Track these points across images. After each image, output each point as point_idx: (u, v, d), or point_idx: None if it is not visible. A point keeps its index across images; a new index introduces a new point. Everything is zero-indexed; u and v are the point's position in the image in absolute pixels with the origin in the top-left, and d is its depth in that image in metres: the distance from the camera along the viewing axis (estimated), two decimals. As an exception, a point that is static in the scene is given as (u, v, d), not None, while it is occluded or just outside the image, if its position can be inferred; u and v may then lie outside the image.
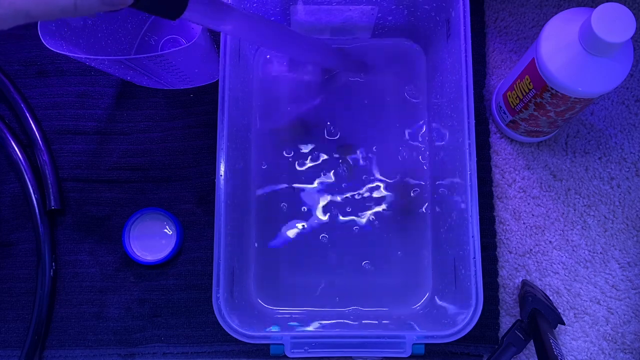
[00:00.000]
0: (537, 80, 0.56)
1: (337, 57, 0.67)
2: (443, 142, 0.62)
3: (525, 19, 0.70)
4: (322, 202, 0.66)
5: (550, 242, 0.66)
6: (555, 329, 0.61)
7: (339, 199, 0.66)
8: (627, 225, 0.66)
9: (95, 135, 0.68)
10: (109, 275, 0.65)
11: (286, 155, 0.67)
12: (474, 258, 0.54)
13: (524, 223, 0.66)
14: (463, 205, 0.55)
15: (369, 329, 0.60)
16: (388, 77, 0.69)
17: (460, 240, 0.56)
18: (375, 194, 0.66)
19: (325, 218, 0.65)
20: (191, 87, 0.68)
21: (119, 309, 0.65)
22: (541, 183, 0.67)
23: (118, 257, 0.66)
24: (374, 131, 0.67)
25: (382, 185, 0.66)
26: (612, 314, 0.65)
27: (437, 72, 0.64)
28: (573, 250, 0.66)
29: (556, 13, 0.55)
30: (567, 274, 0.65)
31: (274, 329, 0.58)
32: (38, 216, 0.65)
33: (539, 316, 0.60)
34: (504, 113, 0.65)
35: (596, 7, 0.49)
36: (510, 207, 0.67)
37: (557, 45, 0.53)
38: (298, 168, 0.66)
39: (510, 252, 0.66)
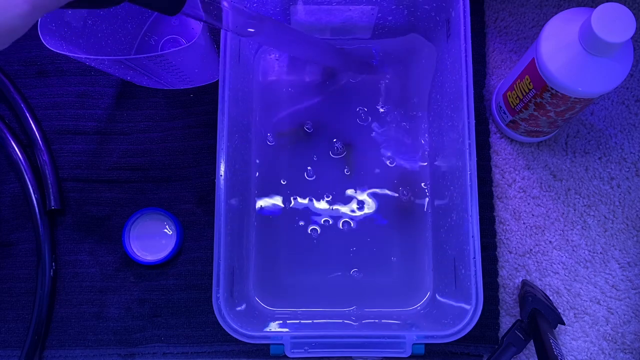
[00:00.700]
0: (537, 80, 0.56)
1: (338, 56, 0.67)
2: (443, 142, 0.62)
3: (525, 19, 0.70)
4: (322, 202, 0.66)
5: (550, 242, 0.66)
6: (555, 329, 0.61)
7: (339, 198, 0.66)
8: (627, 225, 0.66)
9: (95, 135, 0.68)
10: (109, 275, 0.65)
11: (286, 155, 0.67)
12: (474, 258, 0.54)
13: (524, 223, 0.66)
14: (463, 205, 0.55)
15: (369, 329, 0.60)
16: (388, 77, 0.69)
17: (460, 240, 0.56)
18: (376, 194, 0.66)
19: (325, 218, 0.65)
20: (191, 87, 0.68)
21: (119, 309, 0.65)
22: (541, 183, 0.67)
23: (118, 257, 0.66)
24: (374, 131, 0.67)
25: (382, 185, 0.66)
26: (612, 314, 0.65)
27: (437, 72, 0.64)
28: (573, 250, 0.66)
29: (556, 13, 0.55)
30: (567, 274, 0.65)
31: (269, 328, 0.58)
32: (38, 216, 0.65)
33: (539, 316, 0.60)
34: (504, 113, 0.65)
35: (596, 7, 0.49)
36: (510, 207, 0.67)
37: (557, 45, 0.53)
38: (298, 168, 0.66)
39: (510, 252, 0.66)
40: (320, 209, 0.66)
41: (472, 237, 0.54)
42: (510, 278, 0.65)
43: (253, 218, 0.65)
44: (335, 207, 0.66)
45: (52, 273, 0.64)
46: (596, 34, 0.49)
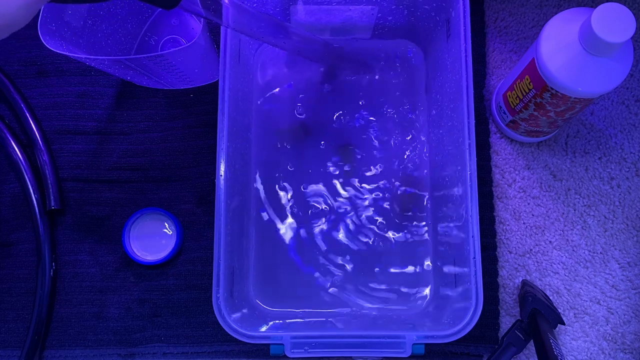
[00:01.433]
0: (537, 80, 0.56)
1: (334, 54, 0.66)
2: (443, 142, 0.62)
3: (525, 19, 0.70)
4: (322, 202, 0.66)
5: (550, 242, 0.66)
6: (555, 329, 0.61)
7: (338, 198, 0.66)
8: (627, 225, 0.66)
9: (95, 135, 0.68)
10: (109, 275, 0.65)
11: (286, 155, 0.67)
12: (474, 258, 0.54)
13: (524, 223, 0.66)
14: (463, 205, 0.55)
15: (369, 329, 0.60)
16: (388, 77, 0.69)
17: (460, 240, 0.56)
18: (375, 194, 0.66)
19: (325, 218, 0.65)
20: (191, 87, 0.68)
21: (119, 309, 0.65)
22: (541, 183, 0.67)
23: (118, 257, 0.66)
24: (374, 131, 0.67)
25: (382, 185, 0.66)
26: (612, 314, 0.65)
27: (437, 72, 0.64)
28: (573, 250, 0.66)
29: (556, 13, 0.55)
30: (567, 274, 0.65)
31: (269, 328, 0.58)
32: (38, 216, 0.65)
33: (539, 316, 0.60)
34: (504, 113, 0.65)
35: (596, 7, 0.49)
36: (510, 207, 0.67)
37: (557, 45, 0.53)
38: (298, 168, 0.66)
39: (510, 252, 0.66)
40: (320, 209, 0.66)
41: (472, 237, 0.54)
42: (510, 278, 0.65)
43: (253, 218, 0.65)
44: (335, 206, 0.66)
45: (52, 273, 0.64)
46: (596, 34, 0.49)
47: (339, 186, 0.66)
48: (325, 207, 0.66)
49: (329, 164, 0.66)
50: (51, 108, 0.69)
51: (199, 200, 0.66)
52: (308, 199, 0.66)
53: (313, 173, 0.66)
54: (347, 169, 0.66)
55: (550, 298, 0.64)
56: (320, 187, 0.66)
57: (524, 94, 0.59)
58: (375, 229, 0.65)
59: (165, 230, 0.66)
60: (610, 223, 0.66)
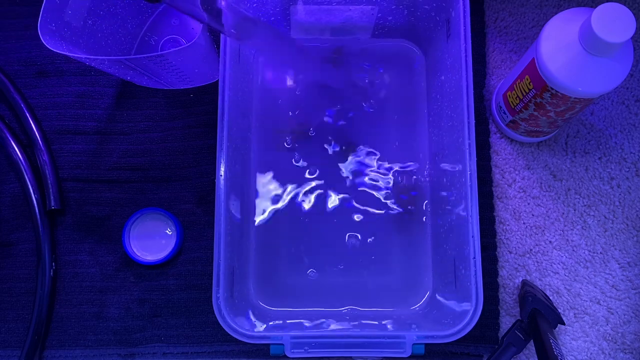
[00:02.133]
0: (537, 80, 0.56)
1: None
2: (443, 142, 0.62)
3: (525, 19, 0.70)
4: (322, 201, 0.66)
5: (550, 242, 0.66)
6: (555, 329, 0.61)
7: (339, 198, 0.66)
8: (627, 225, 0.66)
9: (95, 135, 0.68)
10: (109, 275, 0.65)
11: (286, 155, 0.67)
12: (474, 258, 0.54)
13: (524, 223, 0.66)
14: (463, 205, 0.55)
15: (369, 329, 0.60)
16: (388, 77, 0.69)
17: (460, 240, 0.56)
18: (375, 194, 0.66)
19: (325, 218, 0.65)
20: (191, 87, 0.68)
21: (119, 309, 0.65)
22: (541, 183, 0.67)
23: (118, 257, 0.66)
24: (374, 131, 0.67)
25: (382, 185, 0.66)
26: (612, 314, 0.65)
27: (437, 72, 0.64)
28: (573, 250, 0.66)
29: (556, 13, 0.55)
30: (567, 274, 0.65)
31: (264, 328, 0.58)
32: (38, 216, 0.65)
33: (539, 316, 0.60)
34: (504, 113, 0.65)
35: (596, 7, 0.49)
36: (510, 207, 0.67)
37: (557, 45, 0.53)
38: (298, 168, 0.66)
39: (510, 252, 0.66)
40: (320, 209, 0.65)
41: (472, 237, 0.54)
42: (510, 278, 0.65)
43: (253, 218, 0.65)
44: (335, 206, 0.66)
45: (52, 273, 0.64)
46: (596, 34, 0.49)
47: (338, 186, 0.66)
48: (325, 206, 0.66)
49: (329, 163, 0.66)
50: (51, 108, 0.69)
51: (199, 200, 0.66)
52: (308, 199, 0.66)
53: (313, 173, 0.66)
54: (347, 168, 0.66)
55: (550, 298, 0.64)
56: (321, 186, 0.66)
57: (524, 94, 0.59)
58: (376, 228, 0.65)
59: (165, 230, 0.66)
60: (610, 223, 0.66)
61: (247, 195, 0.65)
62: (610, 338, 0.65)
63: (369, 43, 0.69)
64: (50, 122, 0.68)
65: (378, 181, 0.66)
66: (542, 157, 0.68)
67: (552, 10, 0.70)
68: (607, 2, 0.51)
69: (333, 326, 0.60)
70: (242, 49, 0.62)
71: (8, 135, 0.67)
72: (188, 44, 0.56)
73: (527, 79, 0.57)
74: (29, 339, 0.62)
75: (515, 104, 0.62)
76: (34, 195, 0.65)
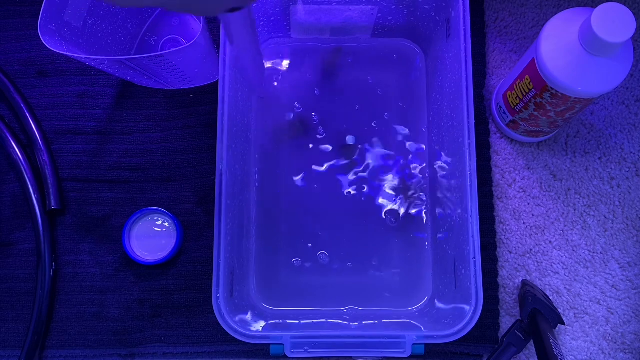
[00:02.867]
0: (537, 80, 0.56)
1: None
2: (443, 142, 0.62)
3: (525, 19, 0.70)
4: (322, 201, 0.66)
5: (550, 242, 0.66)
6: (555, 329, 0.61)
7: (338, 199, 0.66)
8: (627, 225, 0.66)
9: (95, 135, 0.68)
10: (109, 275, 0.65)
11: (286, 155, 0.67)
12: (474, 258, 0.54)
13: (524, 223, 0.66)
14: (463, 206, 0.55)
15: (369, 329, 0.60)
16: (388, 77, 0.69)
17: (460, 240, 0.56)
18: (375, 194, 0.66)
19: (325, 218, 0.65)
20: (191, 87, 0.68)
21: (119, 309, 0.65)
22: (541, 183, 0.67)
23: (118, 257, 0.66)
24: (374, 131, 0.67)
25: (382, 185, 0.66)
26: (612, 314, 0.65)
27: (437, 72, 0.64)
28: (573, 250, 0.66)
29: (556, 13, 0.55)
30: (567, 274, 0.65)
31: (264, 328, 0.58)
32: (38, 216, 0.65)
33: (539, 316, 0.60)
34: (504, 113, 0.65)
35: (596, 7, 0.49)
36: (510, 207, 0.67)
37: (557, 45, 0.53)
38: (298, 168, 0.66)
39: (510, 252, 0.66)
40: (320, 209, 0.65)
41: (472, 237, 0.54)
42: (510, 278, 0.65)
43: (253, 218, 0.65)
44: (335, 207, 0.66)
45: (52, 273, 0.64)
46: (596, 34, 0.49)
47: (339, 186, 0.66)
48: (325, 206, 0.66)
49: (329, 163, 0.66)
50: (51, 108, 0.69)
51: (199, 200, 0.66)
52: (308, 199, 0.66)
53: (313, 173, 0.66)
54: (347, 168, 0.66)
55: (550, 298, 0.64)
56: (321, 186, 0.66)
57: (524, 94, 0.59)
58: (376, 228, 0.65)
59: (165, 230, 0.66)
60: (610, 223, 0.66)
61: (247, 195, 0.65)
62: (610, 338, 0.65)
63: (369, 43, 0.69)
64: (50, 122, 0.68)
65: (378, 181, 0.66)
66: (542, 157, 0.68)
67: (552, 10, 0.70)
68: (607, 2, 0.51)
69: (333, 326, 0.60)
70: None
71: (8, 135, 0.67)
72: (188, 44, 0.56)
73: (527, 79, 0.57)
74: (29, 339, 0.62)
75: (515, 104, 0.62)
76: (34, 195, 0.65)
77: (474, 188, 0.55)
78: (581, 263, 0.66)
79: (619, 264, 0.66)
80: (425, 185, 0.66)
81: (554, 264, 0.66)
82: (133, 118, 0.68)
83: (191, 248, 0.66)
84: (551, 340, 0.57)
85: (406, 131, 0.67)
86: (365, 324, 0.61)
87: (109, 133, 0.68)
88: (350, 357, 0.57)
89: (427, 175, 0.66)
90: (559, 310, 0.64)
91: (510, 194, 0.67)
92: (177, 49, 0.56)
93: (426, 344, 0.54)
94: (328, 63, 0.69)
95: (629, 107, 0.68)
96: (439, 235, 0.63)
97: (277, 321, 0.61)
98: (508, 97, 0.63)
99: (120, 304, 0.65)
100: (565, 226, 0.66)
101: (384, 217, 0.65)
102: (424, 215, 0.65)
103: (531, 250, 0.66)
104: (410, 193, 0.66)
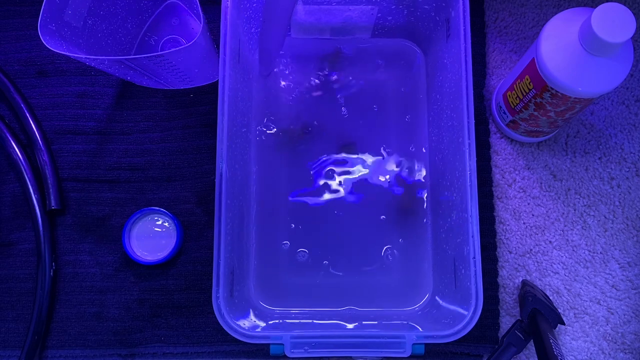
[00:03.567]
0: (537, 80, 0.56)
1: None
2: (443, 142, 0.62)
3: (525, 19, 0.70)
4: (321, 202, 0.66)
5: (550, 242, 0.66)
6: (555, 329, 0.61)
7: (338, 199, 0.66)
8: (627, 225, 0.66)
9: (95, 135, 0.68)
10: (109, 275, 0.65)
11: (286, 155, 0.67)
12: (474, 258, 0.54)
13: (524, 223, 0.66)
14: (463, 206, 0.55)
15: (369, 329, 0.60)
16: (388, 77, 0.69)
17: (460, 240, 0.56)
18: (375, 194, 0.66)
19: (324, 218, 0.65)
20: (191, 87, 0.68)
21: (119, 309, 0.65)
22: (541, 183, 0.67)
23: (118, 257, 0.66)
24: (374, 131, 0.67)
25: (382, 185, 0.66)
26: (612, 314, 0.65)
27: (437, 72, 0.64)
28: (573, 250, 0.66)
29: (556, 13, 0.55)
30: (567, 274, 0.65)
31: (269, 328, 0.58)
32: (38, 216, 0.65)
33: (539, 316, 0.60)
34: (504, 113, 0.65)
35: (596, 7, 0.49)
36: (510, 207, 0.67)
37: (557, 45, 0.53)
38: (298, 168, 0.66)
39: (510, 252, 0.66)
40: (320, 208, 0.65)
41: (472, 237, 0.54)
42: (510, 278, 0.65)
43: (253, 218, 0.65)
44: (334, 207, 0.66)
45: (52, 273, 0.64)
46: (596, 34, 0.49)
47: (339, 186, 0.66)
48: (325, 207, 0.66)
49: (329, 163, 0.66)
50: (51, 108, 0.69)
51: (199, 200, 0.66)
52: (308, 199, 0.66)
53: (313, 173, 0.66)
54: (347, 168, 0.66)
55: (550, 298, 0.64)
56: (320, 186, 0.66)
57: (524, 94, 0.59)
58: (376, 228, 0.65)
59: (165, 230, 0.66)
60: (610, 223, 0.66)
61: (247, 195, 0.65)
62: (610, 338, 0.65)
63: (369, 43, 0.69)
64: (50, 122, 0.68)
65: (378, 181, 0.66)
66: (542, 157, 0.68)
67: (552, 10, 0.70)
68: (607, 2, 0.51)
69: (333, 326, 0.60)
70: (242, 49, 0.62)
71: (8, 135, 0.67)
72: (188, 44, 0.56)
73: (527, 79, 0.57)
74: (29, 339, 0.62)
75: (515, 104, 0.62)
76: (34, 195, 0.65)
77: (474, 188, 0.55)
78: (581, 263, 0.66)
79: (619, 264, 0.66)
80: (425, 185, 0.66)
81: (554, 264, 0.66)
82: (133, 118, 0.68)
83: (191, 248, 0.66)
84: (551, 340, 0.57)
85: (406, 131, 0.67)
86: (365, 324, 0.61)
87: (109, 133, 0.68)
88: (350, 357, 0.57)
89: (427, 175, 0.66)
90: (559, 310, 0.64)
91: (510, 194, 0.67)
92: (177, 49, 0.56)
93: (426, 344, 0.54)
94: (328, 63, 0.69)
95: (629, 107, 0.68)
96: (438, 236, 0.63)
97: (277, 321, 0.61)
98: (508, 97, 0.63)
99: (120, 304, 0.65)
100: (565, 226, 0.66)
101: (384, 217, 0.65)
102: (424, 215, 0.65)
103: (531, 250, 0.66)
104: (410, 193, 0.66)
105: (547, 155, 0.68)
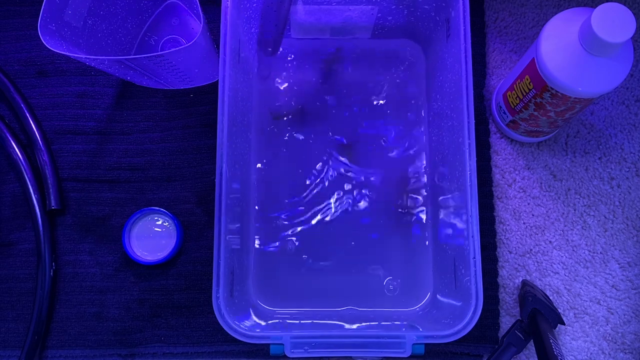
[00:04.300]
0: (537, 80, 0.56)
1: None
2: (443, 142, 0.62)
3: (525, 19, 0.70)
4: (322, 202, 0.66)
5: (550, 242, 0.66)
6: (555, 329, 0.61)
7: (338, 199, 0.66)
8: (627, 225, 0.66)
9: (95, 135, 0.68)
10: (109, 275, 0.65)
11: (286, 155, 0.67)
12: (474, 258, 0.54)
13: (524, 223, 0.66)
14: (463, 205, 0.55)
15: (369, 329, 0.60)
16: (388, 77, 0.69)
17: (460, 240, 0.56)
18: (375, 194, 0.66)
19: (325, 218, 0.65)
20: (191, 87, 0.68)
21: (119, 309, 0.65)
22: (541, 183, 0.67)
23: (118, 257, 0.66)
24: (374, 131, 0.67)
25: (382, 184, 0.66)
26: (612, 314, 0.65)
27: (437, 72, 0.64)
28: (573, 250, 0.66)
29: (556, 13, 0.55)
30: (567, 274, 0.65)
31: (269, 328, 0.58)
32: (38, 216, 0.65)
33: (539, 316, 0.60)
34: (504, 113, 0.65)
35: (596, 7, 0.49)
36: (510, 207, 0.67)
37: (557, 45, 0.53)
38: (298, 168, 0.66)
39: (510, 252, 0.66)
40: (321, 208, 0.66)
41: (472, 237, 0.54)
42: (510, 278, 0.65)
43: (253, 218, 0.65)
44: (335, 206, 0.66)
45: (52, 273, 0.64)
46: (596, 34, 0.49)
47: (338, 185, 0.66)
48: (325, 207, 0.66)
49: (329, 163, 0.66)
50: (51, 108, 0.69)
51: (199, 200, 0.66)
52: (308, 199, 0.66)
53: (313, 172, 0.66)
54: (347, 168, 0.66)
55: (550, 298, 0.64)
56: (320, 186, 0.66)
57: (524, 94, 0.59)
58: (376, 228, 0.65)
59: (165, 230, 0.66)
60: (610, 223, 0.66)
61: (247, 195, 0.65)
62: (610, 338, 0.65)
63: (369, 43, 0.69)
64: (50, 122, 0.68)
65: (378, 180, 0.66)
66: (542, 157, 0.68)
67: (552, 10, 0.70)
68: (607, 2, 0.51)
69: (333, 326, 0.60)
70: (242, 49, 0.62)
71: (8, 135, 0.67)
72: (188, 44, 0.56)
73: (527, 79, 0.57)
74: (29, 339, 0.62)
75: (515, 104, 0.62)
76: (34, 195, 0.65)
77: (474, 188, 0.55)
78: (581, 263, 0.66)
79: (619, 264, 0.66)
80: (425, 185, 0.66)
81: (554, 264, 0.66)
82: (133, 118, 0.68)
83: (191, 248, 0.66)
84: (551, 340, 0.57)
85: (406, 131, 0.67)
86: (365, 324, 0.61)
87: (109, 133, 0.68)
88: (350, 357, 0.57)
89: (427, 175, 0.66)
90: (559, 310, 0.64)
91: (510, 194, 0.67)
92: (177, 49, 0.56)
93: (426, 344, 0.53)
94: (328, 63, 0.69)
95: (629, 107, 0.68)
96: (438, 235, 0.63)
97: (277, 321, 0.61)
98: (508, 97, 0.63)
99: (120, 304, 0.65)
100: (565, 226, 0.66)
101: (384, 217, 0.65)
102: (424, 215, 0.65)
103: (531, 250, 0.66)
104: (410, 193, 0.66)
105: (547, 155, 0.68)
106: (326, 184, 0.66)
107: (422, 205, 0.65)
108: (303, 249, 0.65)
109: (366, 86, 0.68)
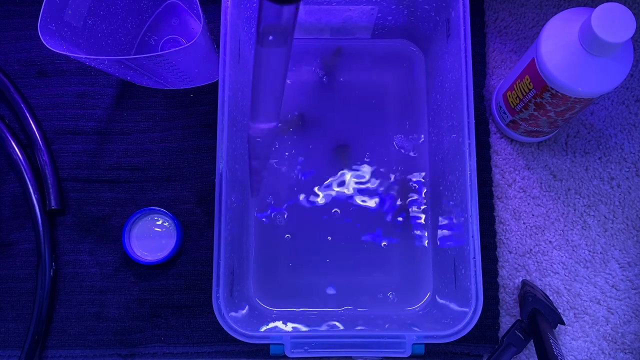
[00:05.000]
0: (537, 80, 0.56)
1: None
2: (443, 142, 0.62)
3: (525, 19, 0.70)
4: (321, 202, 0.66)
5: (550, 242, 0.66)
6: (555, 329, 0.61)
7: (338, 198, 0.66)
8: (627, 225, 0.66)
9: (95, 135, 0.68)
10: (109, 275, 0.65)
11: (286, 156, 0.67)
12: (474, 258, 0.54)
13: (524, 223, 0.66)
14: (463, 205, 0.55)
15: (369, 329, 0.60)
16: (388, 77, 0.69)
17: (460, 240, 0.56)
18: (375, 194, 0.66)
19: (324, 218, 0.65)
20: (191, 87, 0.68)
21: (119, 309, 0.65)
22: (541, 183, 0.67)
23: (118, 257, 0.66)
24: (374, 131, 0.67)
25: (381, 185, 0.66)
26: (612, 314, 0.65)
27: (437, 72, 0.64)
28: (573, 250, 0.66)
29: (556, 13, 0.55)
30: (567, 274, 0.65)
31: (269, 328, 0.58)
32: (38, 216, 0.65)
33: (539, 316, 0.60)
34: (504, 113, 0.65)
35: (596, 7, 0.49)
36: (510, 207, 0.67)
37: (557, 45, 0.53)
38: (298, 169, 0.66)
39: (510, 252, 0.66)
40: (320, 209, 0.65)
41: (472, 237, 0.54)
42: (510, 278, 0.65)
43: (253, 218, 0.65)
44: (334, 207, 0.66)
45: (52, 273, 0.64)
46: (596, 34, 0.49)
47: (338, 186, 0.66)
48: (325, 207, 0.66)
49: (329, 163, 0.66)
50: (51, 108, 0.69)
51: (199, 200, 0.66)
52: (308, 199, 0.66)
53: (313, 173, 0.66)
54: (347, 168, 0.66)
55: (550, 298, 0.64)
56: (321, 186, 0.66)
57: (524, 94, 0.59)
58: (376, 228, 0.65)
59: (165, 230, 0.66)
60: (610, 223, 0.66)
61: (247, 195, 0.65)
62: (610, 338, 0.65)
63: (369, 43, 0.69)
64: (50, 122, 0.68)
65: (378, 181, 0.66)
66: (542, 157, 0.68)
67: (552, 10, 0.70)
68: (607, 2, 0.51)
69: (333, 326, 0.60)
70: (242, 49, 0.62)
71: (8, 135, 0.67)
72: (188, 44, 0.56)
73: (527, 79, 0.57)
74: (29, 339, 0.62)
75: (515, 104, 0.62)
76: (34, 195, 0.65)
77: (474, 188, 0.55)
78: (581, 263, 0.66)
79: (619, 264, 0.66)
80: (425, 185, 0.66)
81: (554, 264, 0.66)
82: (133, 118, 0.68)
83: (191, 248, 0.66)
84: (551, 340, 0.57)
85: (406, 131, 0.67)
86: (366, 323, 0.61)
87: (109, 133, 0.68)
88: (350, 357, 0.57)
89: (427, 175, 0.66)
90: (559, 310, 0.64)
91: (510, 194, 0.67)
92: (177, 49, 0.56)
93: (426, 344, 0.54)
94: (328, 63, 0.69)
95: (629, 107, 0.68)
96: (438, 235, 0.63)
97: (277, 321, 0.61)
98: (508, 97, 0.63)
99: (120, 304, 0.65)
100: (565, 226, 0.66)
101: (383, 216, 0.65)
102: (424, 215, 0.65)
103: (531, 250, 0.66)
104: (409, 193, 0.66)
105: (547, 155, 0.68)
106: (326, 183, 0.66)
107: (422, 205, 0.65)
108: (302, 249, 0.65)
109: (366, 86, 0.68)
